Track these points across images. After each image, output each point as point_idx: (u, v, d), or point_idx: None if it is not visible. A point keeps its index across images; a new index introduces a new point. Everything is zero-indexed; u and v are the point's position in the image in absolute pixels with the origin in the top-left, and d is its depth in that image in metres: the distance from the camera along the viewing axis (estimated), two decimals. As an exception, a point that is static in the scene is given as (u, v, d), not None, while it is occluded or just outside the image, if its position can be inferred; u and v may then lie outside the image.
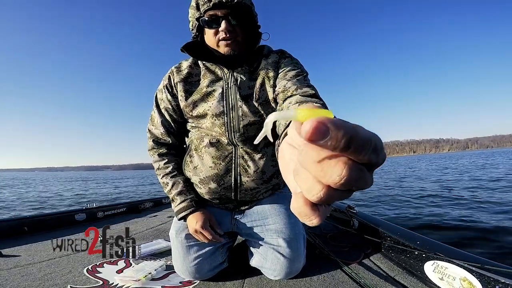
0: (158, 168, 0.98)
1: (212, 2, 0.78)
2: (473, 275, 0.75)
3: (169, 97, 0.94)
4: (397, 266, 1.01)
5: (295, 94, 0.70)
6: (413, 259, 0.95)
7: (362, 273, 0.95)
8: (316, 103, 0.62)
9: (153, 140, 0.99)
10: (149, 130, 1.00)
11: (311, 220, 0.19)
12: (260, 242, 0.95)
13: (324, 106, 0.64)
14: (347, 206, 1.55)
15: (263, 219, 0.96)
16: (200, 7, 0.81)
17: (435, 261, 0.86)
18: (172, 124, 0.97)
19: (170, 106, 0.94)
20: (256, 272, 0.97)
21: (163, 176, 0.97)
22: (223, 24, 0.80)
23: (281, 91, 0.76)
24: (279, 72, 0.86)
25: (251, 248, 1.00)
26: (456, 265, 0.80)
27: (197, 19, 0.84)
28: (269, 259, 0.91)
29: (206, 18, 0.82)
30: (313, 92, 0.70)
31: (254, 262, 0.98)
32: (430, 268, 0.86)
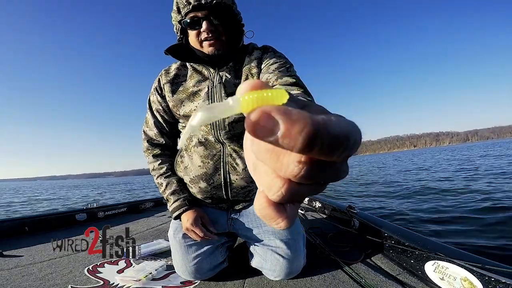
0: (153, 169, 1.00)
1: (191, 5, 0.80)
2: (474, 275, 0.74)
3: (159, 98, 0.97)
4: (397, 266, 1.01)
5: (275, 84, 0.72)
6: (413, 259, 0.95)
7: (362, 273, 0.95)
8: (297, 90, 0.65)
9: (147, 141, 1.02)
10: (144, 132, 1.03)
11: (278, 223, 0.15)
12: (258, 243, 0.95)
13: (305, 93, 0.67)
14: (347, 206, 1.55)
15: (259, 219, 0.96)
16: (181, 10, 0.83)
17: (436, 261, 0.86)
18: (164, 125, 1.00)
19: (161, 107, 0.97)
20: (257, 272, 0.97)
21: (158, 177, 0.99)
22: (204, 25, 0.82)
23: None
24: (262, 67, 0.86)
25: (251, 249, 1.00)
26: (457, 265, 0.79)
27: (179, 22, 0.86)
28: (268, 260, 0.91)
29: (188, 20, 0.83)
30: (294, 80, 0.71)
31: (254, 262, 0.97)
32: (431, 268, 0.86)
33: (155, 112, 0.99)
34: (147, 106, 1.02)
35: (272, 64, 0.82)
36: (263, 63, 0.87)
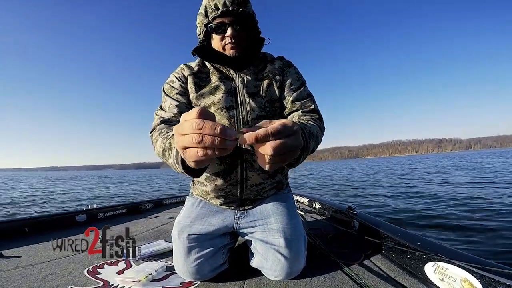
0: (160, 133, 0.80)
1: (220, 10, 0.86)
2: (474, 276, 0.74)
3: (182, 84, 0.96)
4: (397, 267, 1.01)
5: (299, 109, 0.94)
6: (413, 260, 0.95)
7: (362, 274, 0.95)
8: (312, 117, 0.89)
9: (161, 121, 0.90)
10: (157, 115, 0.93)
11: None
12: (261, 242, 0.95)
13: (319, 118, 0.92)
14: (347, 207, 1.55)
15: (266, 218, 0.97)
16: (209, 14, 0.89)
17: (436, 262, 0.86)
18: (185, 107, 0.93)
19: (182, 89, 0.96)
20: (256, 273, 0.97)
21: (165, 133, 0.78)
22: (229, 30, 0.89)
23: (290, 102, 0.95)
24: (285, 79, 0.98)
25: (252, 249, 1.00)
26: (457, 266, 0.80)
27: (205, 25, 0.92)
28: (269, 260, 0.91)
29: (214, 25, 0.90)
30: (313, 107, 0.94)
31: (254, 262, 0.98)
32: (431, 269, 0.86)
33: (175, 96, 0.94)
34: (163, 95, 0.96)
35: (294, 82, 0.98)
36: (286, 75, 0.99)
